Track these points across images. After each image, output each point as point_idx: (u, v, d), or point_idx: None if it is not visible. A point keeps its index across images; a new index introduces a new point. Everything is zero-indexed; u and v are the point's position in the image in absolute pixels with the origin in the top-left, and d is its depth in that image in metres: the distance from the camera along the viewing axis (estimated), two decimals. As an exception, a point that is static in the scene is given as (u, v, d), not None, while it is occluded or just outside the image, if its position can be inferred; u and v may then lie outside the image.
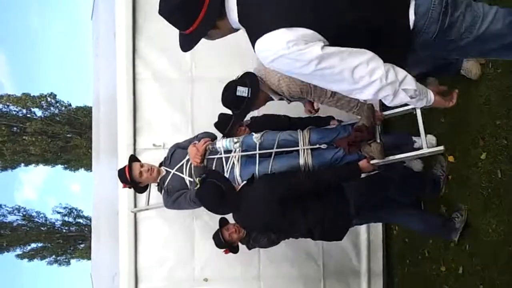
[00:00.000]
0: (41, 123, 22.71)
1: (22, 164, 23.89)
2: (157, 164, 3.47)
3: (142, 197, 3.86)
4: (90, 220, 23.59)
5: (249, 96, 2.79)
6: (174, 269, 4.20)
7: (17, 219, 24.17)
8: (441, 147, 2.89)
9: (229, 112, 3.08)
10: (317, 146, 3.04)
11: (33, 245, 24.52)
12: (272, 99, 3.03)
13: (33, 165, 24.31)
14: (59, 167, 24.91)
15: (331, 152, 3.02)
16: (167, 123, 4.27)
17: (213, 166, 3.19)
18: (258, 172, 3.06)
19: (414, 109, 2.90)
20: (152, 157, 4.07)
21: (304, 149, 3.04)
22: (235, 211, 3.09)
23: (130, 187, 3.41)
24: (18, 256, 24.41)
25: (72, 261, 25.74)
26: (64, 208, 25.21)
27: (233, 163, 3.14)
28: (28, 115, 23.42)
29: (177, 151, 3.42)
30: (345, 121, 3.30)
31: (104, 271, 5.59)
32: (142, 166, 3.32)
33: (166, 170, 3.35)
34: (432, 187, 3.58)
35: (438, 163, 3.61)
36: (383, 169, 3.23)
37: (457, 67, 3.25)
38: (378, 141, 2.92)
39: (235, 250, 3.47)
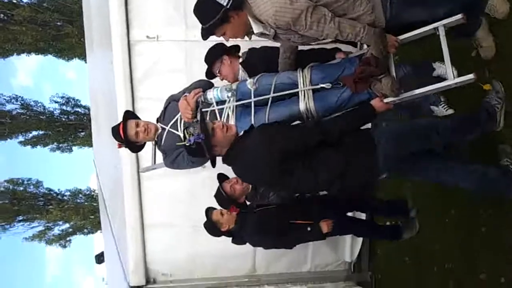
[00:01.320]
0: (29, 10, 21.80)
1: (15, 54, 23.43)
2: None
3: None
4: (88, 109, 23.92)
5: (228, 7, 2.30)
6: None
7: (16, 108, 24.45)
8: (471, 75, 2.34)
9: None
10: (320, 86, 2.62)
11: (34, 132, 25.12)
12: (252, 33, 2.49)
13: (25, 54, 23.86)
14: (52, 56, 24.51)
15: (336, 93, 2.59)
16: (160, 15, 4.18)
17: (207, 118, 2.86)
18: (254, 123, 2.67)
19: (437, 29, 2.42)
20: (146, 49, 4.07)
21: (304, 91, 2.64)
22: (233, 166, 2.63)
23: (123, 146, 3.09)
24: (21, 143, 25.16)
25: (74, 148, 26.58)
26: (62, 97, 25.32)
27: (228, 115, 2.81)
28: (15, 1, 22.41)
29: (171, 105, 3.09)
30: (354, 52, 2.87)
31: (106, 160, 5.87)
32: (138, 125, 2.99)
33: (161, 127, 3.04)
34: (486, 121, 2.74)
35: (493, 89, 2.82)
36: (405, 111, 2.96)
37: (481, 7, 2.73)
38: (393, 74, 2.47)
39: (241, 206, 3.38)
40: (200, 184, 4.27)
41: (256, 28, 2.38)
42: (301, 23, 2.26)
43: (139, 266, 4.44)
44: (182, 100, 2.86)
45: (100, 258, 7.92)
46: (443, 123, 2.79)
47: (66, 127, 25.37)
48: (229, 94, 2.81)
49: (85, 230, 26.54)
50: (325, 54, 2.93)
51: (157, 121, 3.12)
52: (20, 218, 24.94)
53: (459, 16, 2.33)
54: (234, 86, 2.84)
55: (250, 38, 2.55)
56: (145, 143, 3.15)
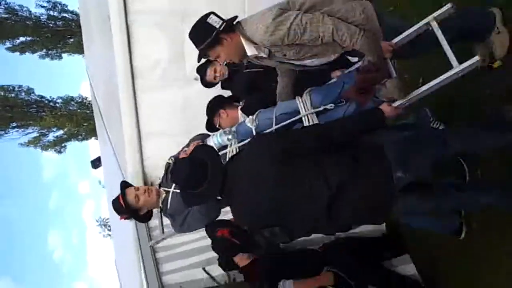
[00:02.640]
0: None
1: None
2: None
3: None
4: (76, 15, 23.08)
5: (221, 29, 2.28)
6: (168, 69, 4.48)
7: (0, 12, 23.57)
8: (476, 57, 2.18)
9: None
10: (322, 108, 2.53)
11: (22, 38, 24.51)
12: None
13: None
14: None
15: (341, 111, 2.48)
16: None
17: None
18: None
19: (429, 24, 2.36)
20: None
21: (307, 116, 2.54)
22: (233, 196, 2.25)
23: (129, 218, 2.91)
24: (8, 49, 24.64)
25: (64, 55, 26.13)
26: (48, 1, 24.35)
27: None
28: None
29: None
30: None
31: (99, 68, 5.91)
32: (137, 189, 2.87)
33: (165, 190, 2.89)
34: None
35: None
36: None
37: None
38: (395, 76, 2.37)
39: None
40: (194, 95, 4.39)
41: (250, 51, 2.34)
42: (295, 30, 2.19)
43: (138, 172, 4.69)
44: (183, 155, 2.84)
45: (96, 163, 8.17)
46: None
47: (54, 33, 24.69)
48: (230, 137, 2.73)
49: (80, 137, 27.05)
50: (320, 76, 2.78)
51: (159, 186, 2.98)
52: (14, 124, 25.23)
53: (449, 5, 2.29)
54: (233, 128, 2.78)
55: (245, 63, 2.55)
56: (151, 212, 2.96)
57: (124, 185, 2.92)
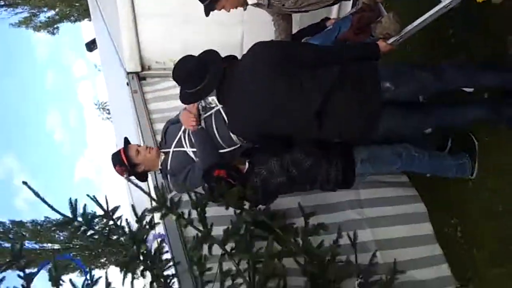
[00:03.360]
0: None
1: None
2: None
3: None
4: None
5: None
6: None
7: None
8: None
9: None
10: None
11: None
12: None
13: None
14: None
15: None
16: None
17: (213, 123, 2.86)
18: None
19: None
20: None
21: None
22: (229, 98, 2.56)
23: (126, 173, 2.93)
24: None
25: None
26: None
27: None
28: None
29: (170, 128, 3.10)
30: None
31: None
32: (139, 146, 3.02)
33: (164, 152, 3.01)
34: None
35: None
36: None
37: None
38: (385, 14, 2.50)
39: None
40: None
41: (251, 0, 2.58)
42: None
43: (134, 54, 4.68)
44: (183, 112, 2.90)
45: (91, 46, 8.01)
46: None
47: None
48: None
49: (72, 18, 26.15)
50: (315, 27, 2.94)
51: (159, 148, 3.08)
52: (2, 3, 24.20)
53: None
54: None
55: (245, 9, 2.74)
56: (146, 172, 3.05)
57: (127, 140, 3.05)
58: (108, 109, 22.54)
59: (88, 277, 2.46)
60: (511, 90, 2.57)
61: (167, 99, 4.38)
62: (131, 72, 4.75)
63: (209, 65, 2.51)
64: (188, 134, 2.93)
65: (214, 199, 2.44)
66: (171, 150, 2.95)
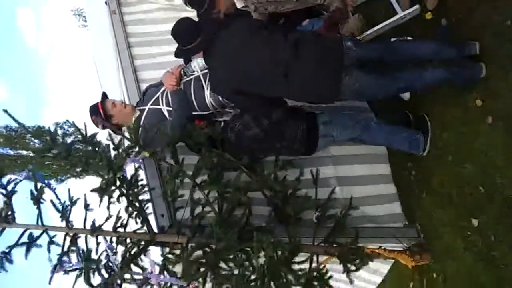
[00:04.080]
0: None
1: None
2: None
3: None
4: None
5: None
6: None
7: None
8: (417, 6, 2.95)
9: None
10: None
11: None
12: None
13: None
14: None
15: None
16: None
17: (191, 87, 3.13)
18: None
19: None
20: None
21: None
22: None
23: (101, 124, 3.07)
24: None
25: None
26: None
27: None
28: None
29: (150, 90, 3.32)
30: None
31: None
32: (115, 101, 3.21)
33: (140, 109, 3.17)
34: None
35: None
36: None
37: None
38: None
39: None
40: None
41: (239, 4, 2.84)
42: None
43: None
44: (167, 74, 3.18)
45: None
46: None
47: None
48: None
49: None
50: (292, 25, 3.30)
51: (136, 106, 3.25)
52: None
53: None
54: None
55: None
56: (121, 127, 3.15)
57: (105, 94, 3.25)
58: (84, 16, 21.58)
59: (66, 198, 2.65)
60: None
61: (145, 22, 4.29)
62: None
63: (203, 29, 2.84)
64: (166, 95, 3.16)
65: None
66: (147, 107, 3.15)
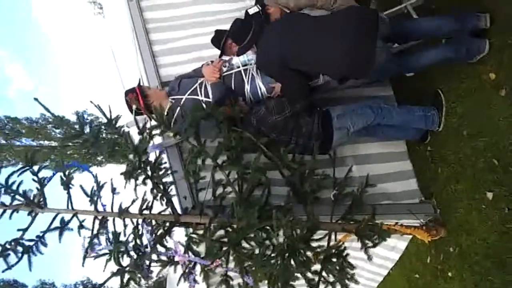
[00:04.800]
0: None
1: None
2: None
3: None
4: None
5: (262, 12, 3.14)
6: None
7: None
8: None
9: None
10: None
11: None
12: None
13: None
14: None
15: None
16: None
17: (232, 80, 3.23)
18: None
19: None
20: None
21: None
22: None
23: (137, 102, 3.09)
24: None
25: None
26: None
27: (252, 75, 3.21)
28: None
29: (184, 80, 3.36)
30: None
31: None
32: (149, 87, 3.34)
33: (175, 99, 3.22)
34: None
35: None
36: None
37: None
38: None
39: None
40: None
41: None
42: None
43: None
44: (207, 66, 3.27)
45: None
46: None
47: None
48: (253, 57, 3.22)
49: None
50: None
51: (169, 95, 3.29)
52: None
53: None
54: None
55: None
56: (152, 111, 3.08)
57: (140, 83, 3.34)
58: (99, 4, 21.66)
59: (94, 181, 2.78)
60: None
61: (162, 7, 4.34)
62: None
63: (252, 23, 3.11)
64: (205, 86, 3.25)
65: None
66: (184, 97, 3.21)
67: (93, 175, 2.78)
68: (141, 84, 3.33)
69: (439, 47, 3.04)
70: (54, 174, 2.81)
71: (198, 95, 3.21)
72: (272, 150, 2.90)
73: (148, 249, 2.73)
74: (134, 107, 3.14)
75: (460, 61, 2.99)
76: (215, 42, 3.41)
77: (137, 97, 3.12)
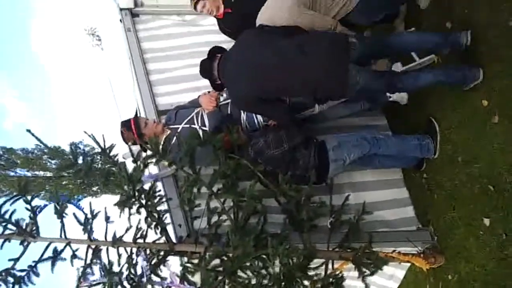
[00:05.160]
0: None
1: None
2: None
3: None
4: None
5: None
6: None
7: None
8: (432, 55, 3.22)
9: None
10: None
11: None
12: None
13: None
14: None
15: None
16: None
17: (228, 110, 3.29)
18: None
19: None
20: None
21: None
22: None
23: (132, 140, 3.16)
24: None
25: None
26: None
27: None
28: None
29: (181, 111, 3.42)
30: None
31: None
32: (147, 119, 3.34)
33: (171, 128, 3.29)
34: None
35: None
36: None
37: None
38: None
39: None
40: None
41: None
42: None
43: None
44: (204, 96, 3.36)
45: None
46: None
47: None
48: None
49: None
50: None
51: (165, 125, 3.36)
52: None
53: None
54: None
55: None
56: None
57: (137, 112, 3.43)
58: (98, 36, 22.04)
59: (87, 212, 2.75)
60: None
61: (160, 38, 4.43)
62: (124, 9, 4.73)
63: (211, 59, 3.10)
64: (201, 115, 3.31)
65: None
66: (181, 126, 3.27)
67: (81, 210, 2.74)
68: (138, 115, 3.34)
69: (436, 70, 3.06)
70: (46, 205, 2.78)
71: (194, 124, 3.26)
72: (269, 177, 2.89)
73: (144, 279, 2.67)
74: (130, 142, 3.18)
75: (454, 86, 3.01)
76: (202, 73, 3.44)
77: (132, 136, 3.16)
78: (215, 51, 3.14)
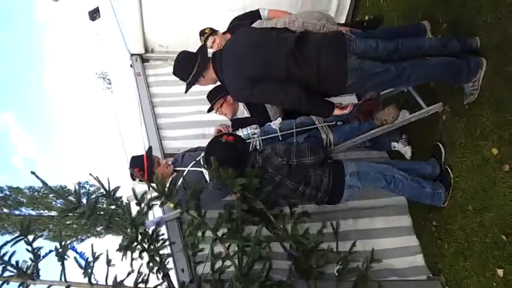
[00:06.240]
0: None
1: None
2: None
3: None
4: None
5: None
6: None
7: None
8: (439, 103, 3.25)
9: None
10: (334, 122, 3.38)
11: None
12: None
13: None
14: None
15: (347, 125, 3.40)
16: None
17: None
18: None
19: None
20: None
21: (322, 126, 3.33)
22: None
23: (141, 178, 3.16)
24: None
25: None
26: None
27: (255, 147, 3.32)
28: None
29: (187, 154, 3.45)
30: None
31: None
32: (160, 159, 3.38)
33: (177, 170, 3.31)
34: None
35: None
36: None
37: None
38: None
39: None
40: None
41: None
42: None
43: (139, 36, 4.79)
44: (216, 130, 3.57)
45: (93, 15, 7.96)
46: None
47: None
48: (256, 130, 3.33)
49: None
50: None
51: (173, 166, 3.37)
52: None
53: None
54: (258, 129, 3.36)
55: None
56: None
57: (150, 149, 3.40)
58: (108, 79, 22.52)
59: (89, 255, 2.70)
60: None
61: (169, 84, 4.51)
62: (134, 54, 4.86)
63: (197, 53, 3.05)
64: None
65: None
66: (187, 169, 3.25)
67: (83, 257, 2.69)
68: (151, 153, 3.33)
69: (442, 59, 2.97)
70: (51, 251, 2.73)
71: (201, 167, 3.22)
72: (278, 221, 2.82)
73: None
74: (137, 180, 3.16)
75: (461, 78, 2.99)
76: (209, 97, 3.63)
77: (142, 175, 3.12)
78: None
